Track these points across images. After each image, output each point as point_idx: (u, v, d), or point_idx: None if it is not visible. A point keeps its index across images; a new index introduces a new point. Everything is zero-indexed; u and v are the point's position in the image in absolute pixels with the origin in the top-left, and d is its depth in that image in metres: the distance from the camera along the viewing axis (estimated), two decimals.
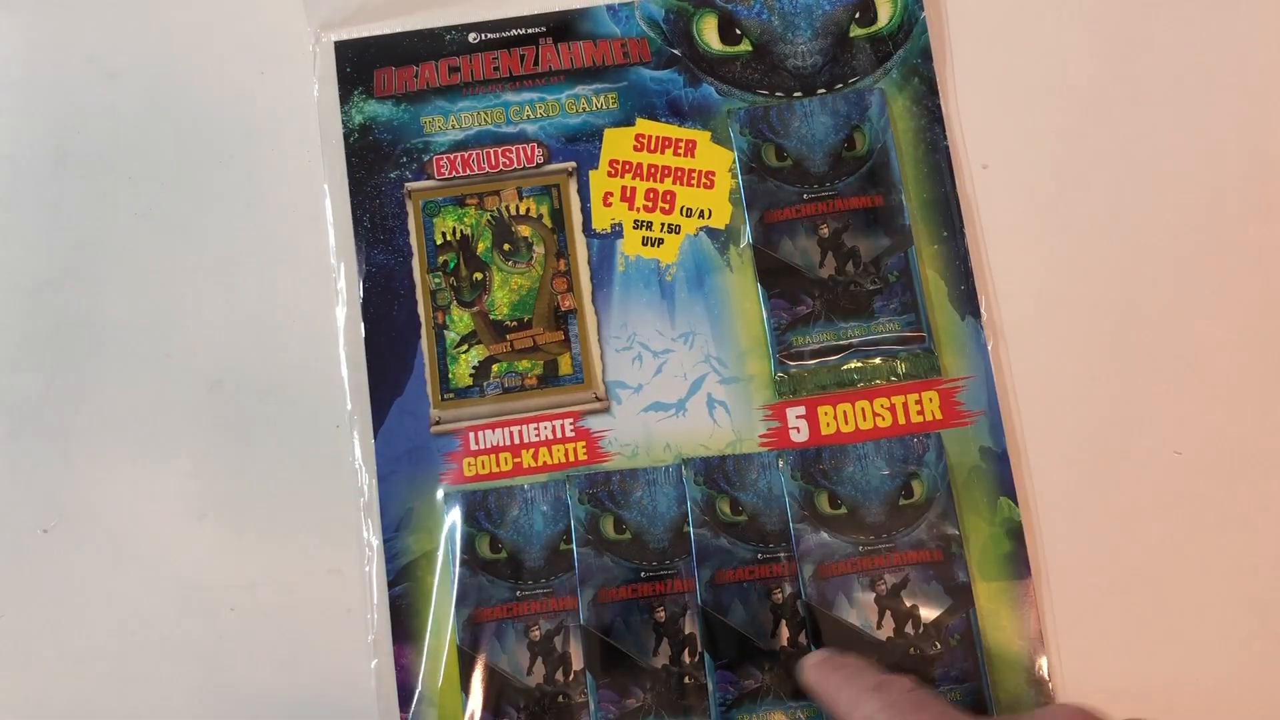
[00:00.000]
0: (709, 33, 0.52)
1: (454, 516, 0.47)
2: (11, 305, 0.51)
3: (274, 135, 0.52)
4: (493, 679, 0.46)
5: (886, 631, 0.46)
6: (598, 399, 0.49)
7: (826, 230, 0.50)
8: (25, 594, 0.49)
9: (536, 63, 0.51)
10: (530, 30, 0.51)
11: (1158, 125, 0.51)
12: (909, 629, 0.46)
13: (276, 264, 0.51)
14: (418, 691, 0.46)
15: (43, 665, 0.48)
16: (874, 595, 0.46)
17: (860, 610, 0.46)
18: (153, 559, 0.49)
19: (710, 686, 0.46)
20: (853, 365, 0.48)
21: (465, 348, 0.49)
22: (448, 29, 0.52)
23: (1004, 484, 0.47)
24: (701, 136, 0.51)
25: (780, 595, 0.46)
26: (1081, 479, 0.48)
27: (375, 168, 0.50)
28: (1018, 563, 0.47)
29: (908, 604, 0.46)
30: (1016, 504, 0.47)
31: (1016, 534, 0.47)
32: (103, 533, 0.49)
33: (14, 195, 0.52)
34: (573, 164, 0.51)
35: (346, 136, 0.51)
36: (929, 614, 0.46)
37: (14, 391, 0.50)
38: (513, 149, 0.51)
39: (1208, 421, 0.48)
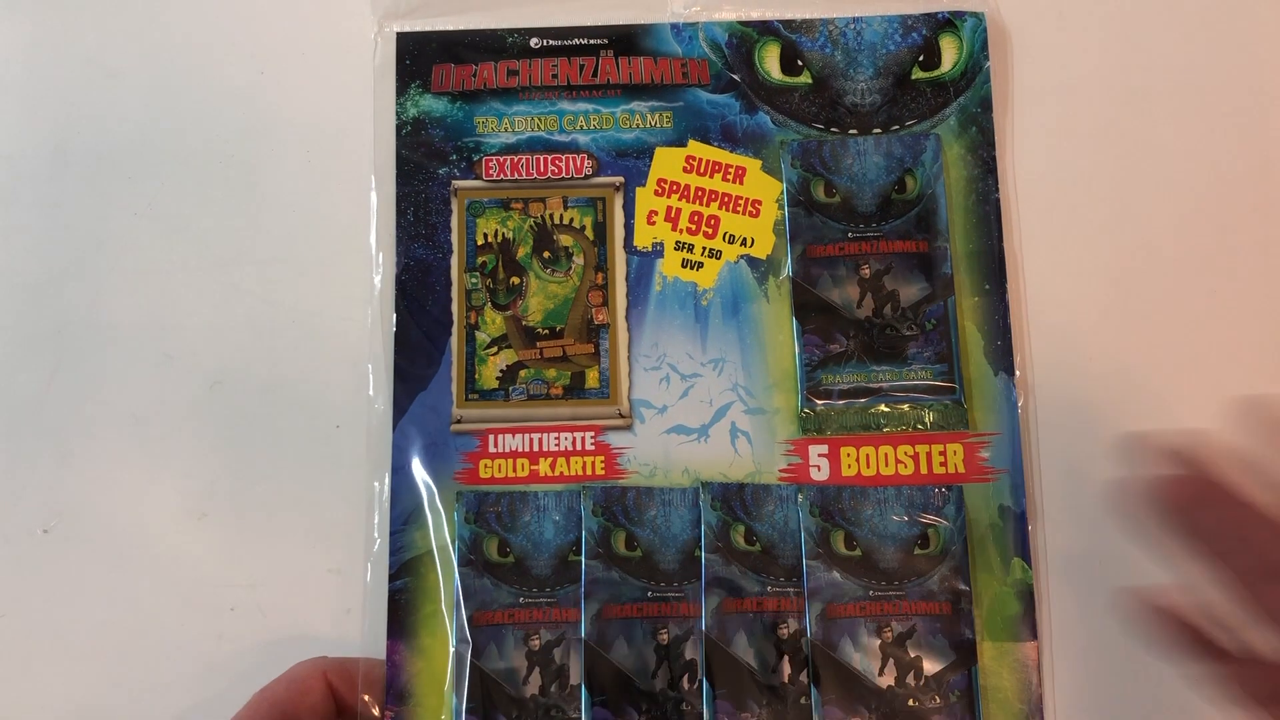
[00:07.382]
0: (770, 61, 0.51)
1: (465, 516, 0.47)
2: (11, 305, 0.51)
3: (276, 130, 0.52)
4: (486, 684, 0.46)
5: (888, 679, 0.46)
6: (621, 415, 0.49)
7: (868, 271, 0.49)
8: (25, 594, 0.48)
9: (595, 74, 0.51)
10: (592, 41, 0.51)
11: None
12: (910, 679, 0.46)
13: (277, 263, 0.51)
14: (408, 689, 0.46)
15: (43, 665, 0.48)
16: (879, 641, 0.46)
17: (864, 655, 0.46)
18: (153, 559, 0.48)
19: (707, 715, 0.45)
20: (880, 409, 0.48)
21: (495, 350, 0.49)
22: (510, 31, 0.52)
23: (1019, 544, 0.47)
24: (752, 164, 0.50)
25: (785, 631, 0.46)
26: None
27: (424, 163, 0.50)
28: (1025, 625, 0.46)
29: (912, 654, 0.46)
30: (1030, 566, 0.47)
31: (1026, 596, 0.47)
32: (102, 533, 0.49)
33: (14, 195, 0.52)
34: (621, 179, 0.50)
35: (399, 129, 0.51)
36: (932, 667, 0.46)
37: (14, 391, 0.50)
38: (563, 158, 0.51)
39: None
